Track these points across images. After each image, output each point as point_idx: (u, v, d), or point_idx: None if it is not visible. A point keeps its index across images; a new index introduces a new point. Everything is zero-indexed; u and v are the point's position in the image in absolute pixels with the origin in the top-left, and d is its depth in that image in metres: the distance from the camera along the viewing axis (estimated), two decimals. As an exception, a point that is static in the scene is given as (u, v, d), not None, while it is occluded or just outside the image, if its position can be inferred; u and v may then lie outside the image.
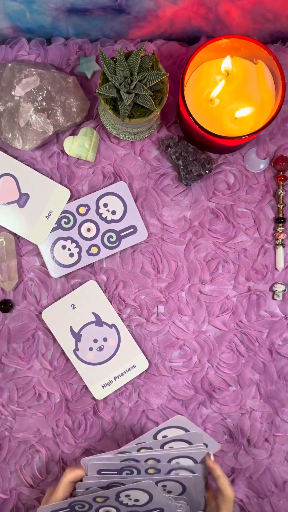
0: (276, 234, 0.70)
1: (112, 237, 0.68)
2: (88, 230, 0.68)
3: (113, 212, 0.68)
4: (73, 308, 0.68)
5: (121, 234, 0.68)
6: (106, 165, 0.70)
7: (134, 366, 0.68)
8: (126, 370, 0.68)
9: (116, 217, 0.68)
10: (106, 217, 0.68)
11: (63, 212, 0.68)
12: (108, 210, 0.68)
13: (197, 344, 0.69)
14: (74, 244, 0.68)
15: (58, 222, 0.68)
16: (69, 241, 0.68)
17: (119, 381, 0.68)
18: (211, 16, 0.66)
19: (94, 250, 0.68)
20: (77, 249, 0.68)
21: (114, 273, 0.69)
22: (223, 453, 0.69)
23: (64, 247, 0.68)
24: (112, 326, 0.68)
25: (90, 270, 0.70)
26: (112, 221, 0.68)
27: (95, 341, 0.68)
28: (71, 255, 0.68)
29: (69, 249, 0.68)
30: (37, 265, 0.70)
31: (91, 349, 0.68)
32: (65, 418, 0.69)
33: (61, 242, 0.68)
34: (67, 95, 0.66)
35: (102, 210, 0.68)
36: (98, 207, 0.68)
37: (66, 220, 0.68)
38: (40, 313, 0.68)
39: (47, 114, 0.65)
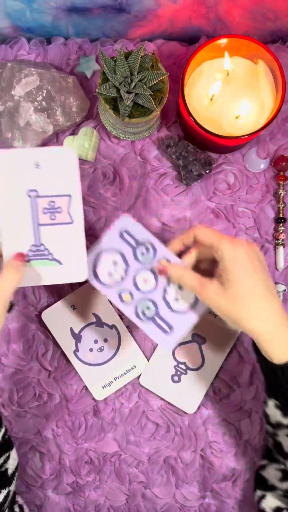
0: (276, 234, 0.69)
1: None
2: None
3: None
4: (73, 309, 0.68)
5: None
6: (106, 164, 0.70)
7: (135, 366, 0.68)
8: (126, 370, 0.68)
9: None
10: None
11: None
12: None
13: (198, 345, 0.69)
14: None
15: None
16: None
17: (119, 382, 0.68)
18: (211, 15, 0.66)
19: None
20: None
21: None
22: (223, 454, 0.68)
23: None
24: (112, 327, 0.68)
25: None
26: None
27: (96, 342, 0.68)
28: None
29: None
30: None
31: (91, 350, 0.68)
32: (65, 419, 0.69)
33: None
34: (67, 94, 0.65)
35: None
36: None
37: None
38: (40, 313, 0.68)
39: (47, 113, 0.65)
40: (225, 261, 0.50)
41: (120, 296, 0.58)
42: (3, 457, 0.55)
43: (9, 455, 0.56)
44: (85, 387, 0.69)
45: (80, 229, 0.54)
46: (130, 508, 0.69)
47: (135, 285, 0.58)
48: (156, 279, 0.58)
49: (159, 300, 0.58)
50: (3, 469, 0.54)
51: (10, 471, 0.55)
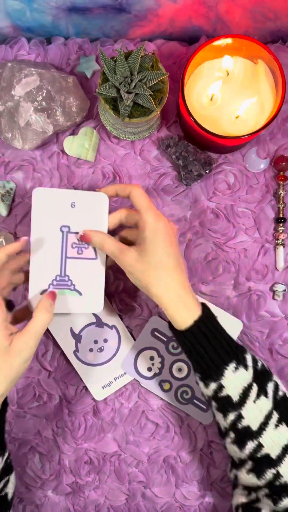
0: (276, 234, 0.69)
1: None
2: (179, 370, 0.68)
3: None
4: None
5: None
6: (106, 165, 0.70)
7: (134, 366, 0.68)
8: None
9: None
10: None
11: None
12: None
13: (197, 345, 0.69)
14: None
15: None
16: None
17: (119, 382, 0.68)
18: (212, 15, 0.66)
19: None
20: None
21: (113, 274, 0.69)
22: (223, 453, 0.69)
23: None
24: (112, 327, 0.68)
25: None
26: None
27: (96, 342, 0.68)
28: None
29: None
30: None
31: (91, 350, 0.68)
32: (65, 419, 0.69)
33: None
34: (67, 94, 0.65)
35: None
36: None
37: None
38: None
39: (47, 113, 0.65)
40: (146, 230, 0.53)
41: (160, 386, 0.67)
42: (3, 481, 0.54)
43: (9, 479, 0.55)
44: (85, 387, 0.69)
45: (102, 265, 0.60)
46: (130, 507, 0.69)
47: (172, 374, 0.67)
48: (188, 366, 0.67)
49: (194, 384, 0.67)
50: (3, 493, 0.54)
51: (9, 496, 0.55)
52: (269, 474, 0.51)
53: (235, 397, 0.52)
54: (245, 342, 0.69)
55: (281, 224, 0.69)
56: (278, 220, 0.69)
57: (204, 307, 0.55)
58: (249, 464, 0.53)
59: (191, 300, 0.54)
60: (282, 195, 0.69)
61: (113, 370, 0.68)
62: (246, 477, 0.53)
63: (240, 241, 0.70)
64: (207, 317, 0.54)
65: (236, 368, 0.52)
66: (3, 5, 0.63)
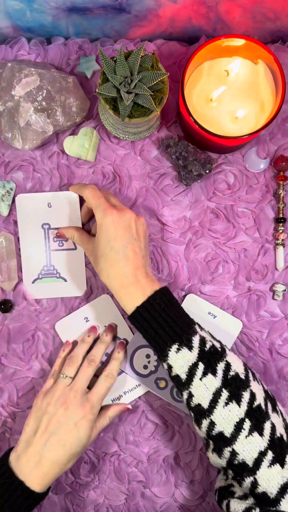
0: (276, 234, 0.69)
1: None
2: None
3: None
4: (86, 321, 0.68)
5: None
6: (106, 165, 0.70)
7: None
8: (136, 385, 0.68)
9: None
10: None
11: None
12: None
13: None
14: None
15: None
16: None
17: (129, 396, 0.67)
18: (212, 15, 0.66)
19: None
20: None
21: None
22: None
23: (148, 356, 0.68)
24: (124, 340, 0.68)
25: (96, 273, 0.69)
26: None
27: (107, 354, 0.67)
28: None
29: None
30: (36, 265, 0.69)
31: (102, 362, 0.67)
32: (65, 419, 0.69)
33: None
34: (67, 94, 0.65)
35: None
36: None
37: None
38: (40, 313, 0.68)
39: (47, 114, 0.65)
40: (97, 226, 0.60)
41: (156, 383, 0.66)
42: None
43: None
44: (85, 387, 0.69)
45: (81, 254, 0.68)
46: (129, 507, 0.69)
47: None
48: None
49: None
50: None
51: None
52: (227, 452, 0.53)
53: (183, 375, 0.55)
54: (245, 342, 0.69)
55: (281, 224, 0.69)
56: (278, 220, 0.69)
57: (155, 293, 0.58)
58: (211, 444, 0.55)
59: (133, 289, 0.58)
60: (282, 195, 0.69)
61: (124, 383, 0.67)
62: (212, 456, 0.56)
63: (240, 241, 0.70)
64: (150, 303, 0.57)
65: (178, 350, 0.55)
66: (3, 5, 0.63)
